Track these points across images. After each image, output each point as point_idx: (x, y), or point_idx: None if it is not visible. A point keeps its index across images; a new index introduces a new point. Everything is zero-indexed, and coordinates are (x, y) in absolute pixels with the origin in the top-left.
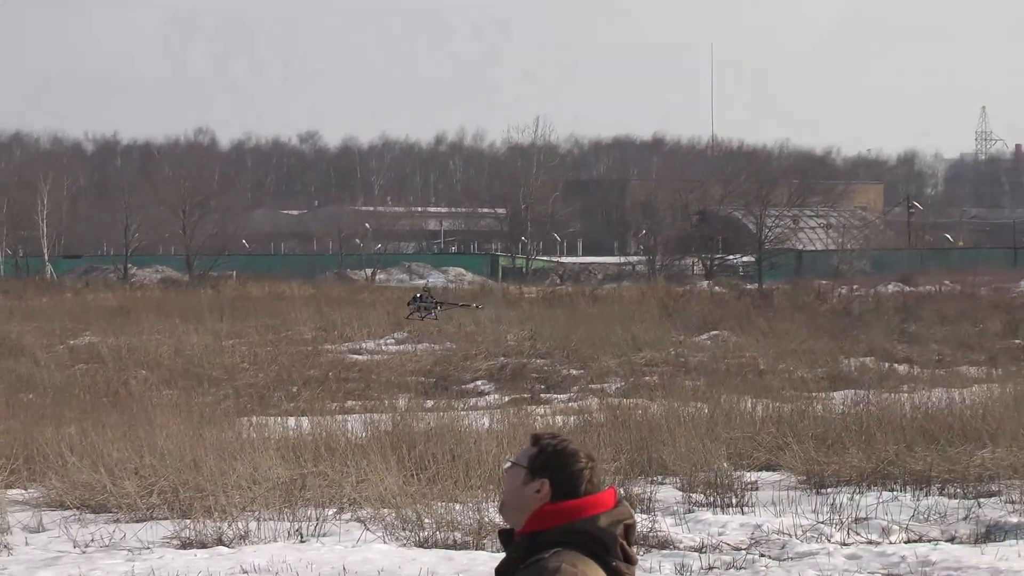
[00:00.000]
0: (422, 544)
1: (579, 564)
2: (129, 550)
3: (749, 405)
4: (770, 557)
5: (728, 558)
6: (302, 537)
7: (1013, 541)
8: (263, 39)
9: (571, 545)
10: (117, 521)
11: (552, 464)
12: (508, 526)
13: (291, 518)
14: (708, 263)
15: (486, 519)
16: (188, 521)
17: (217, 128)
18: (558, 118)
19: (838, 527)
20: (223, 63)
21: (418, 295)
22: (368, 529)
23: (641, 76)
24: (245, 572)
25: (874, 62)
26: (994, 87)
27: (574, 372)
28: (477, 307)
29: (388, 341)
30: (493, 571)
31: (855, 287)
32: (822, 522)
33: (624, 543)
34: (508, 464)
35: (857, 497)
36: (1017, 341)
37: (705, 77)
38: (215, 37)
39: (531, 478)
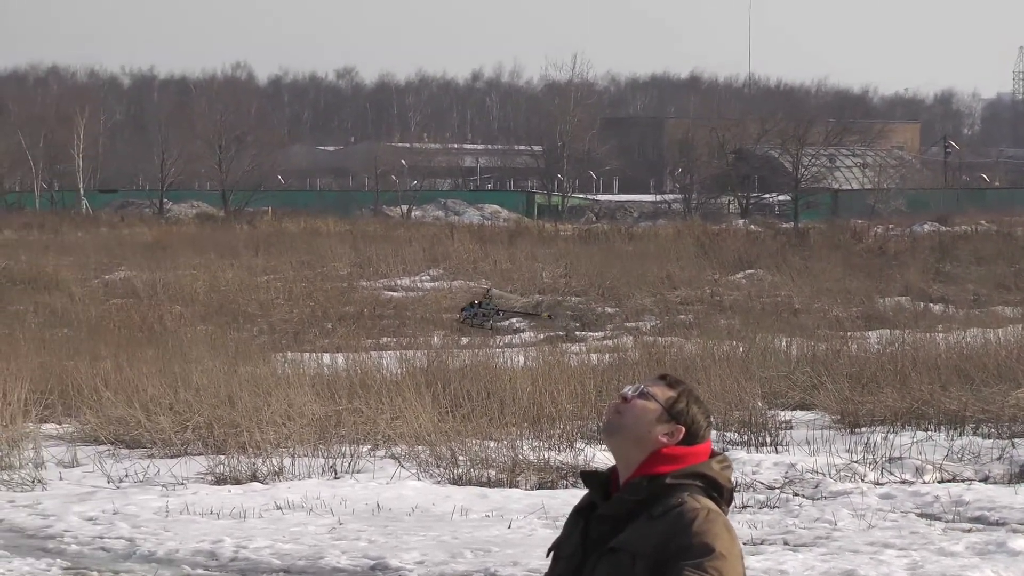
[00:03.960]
0: (456, 481)
1: (712, 505)
2: (163, 485)
3: (784, 344)
4: (804, 496)
5: (762, 497)
6: (336, 473)
7: None
8: None
9: (691, 489)
10: (151, 456)
11: (689, 412)
12: (592, 468)
13: (325, 455)
14: (744, 202)
15: (520, 457)
16: (223, 457)
17: (254, 63)
18: (596, 55)
19: (872, 466)
20: None
21: (475, 301)
22: (402, 466)
23: (679, 12)
24: (279, 508)
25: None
26: None
27: (609, 310)
28: (549, 316)
29: (423, 278)
30: (572, 512)
31: (891, 227)
32: (856, 461)
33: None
34: (636, 393)
35: (891, 437)
36: None
37: (743, 13)
38: None
39: (666, 420)
